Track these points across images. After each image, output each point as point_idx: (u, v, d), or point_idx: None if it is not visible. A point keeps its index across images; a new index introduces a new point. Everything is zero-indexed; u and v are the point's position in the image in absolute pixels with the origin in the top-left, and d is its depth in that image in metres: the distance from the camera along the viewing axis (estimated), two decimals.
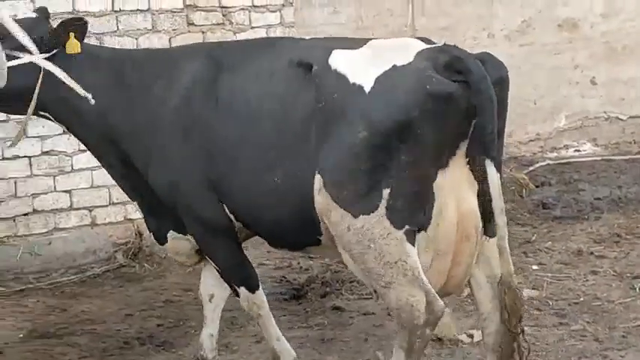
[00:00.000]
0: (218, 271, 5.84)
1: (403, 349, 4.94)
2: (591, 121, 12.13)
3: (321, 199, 4.96)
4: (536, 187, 10.09)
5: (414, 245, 4.86)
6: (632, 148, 11.87)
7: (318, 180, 4.95)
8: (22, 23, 5.68)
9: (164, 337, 6.85)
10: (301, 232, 5.25)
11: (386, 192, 4.81)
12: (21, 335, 7.13)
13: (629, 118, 12.19)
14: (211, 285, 6.05)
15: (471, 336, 6.38)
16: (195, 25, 9.16)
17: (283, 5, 9.60)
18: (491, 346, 5.18)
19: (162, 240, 5.96)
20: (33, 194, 8.54)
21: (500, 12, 11.77)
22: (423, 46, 5.00)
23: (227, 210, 5.50)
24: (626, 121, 12.21)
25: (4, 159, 8.36)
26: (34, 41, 5.62)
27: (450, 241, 4.91)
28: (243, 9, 9.38)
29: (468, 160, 4.92)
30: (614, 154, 11.62)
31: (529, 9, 11.85)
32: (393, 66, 4.87)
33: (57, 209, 8.62)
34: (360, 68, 4.95)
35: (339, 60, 5.03)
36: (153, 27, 8.96)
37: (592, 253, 8.17)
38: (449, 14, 11.58)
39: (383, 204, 4.81)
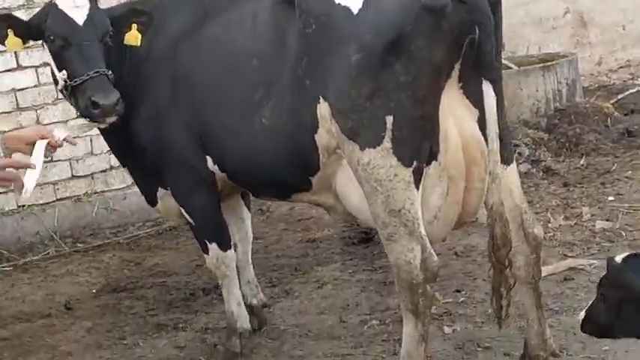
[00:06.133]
0: (192, 225, 5.70)
1: (410, 311, 4.72)
2: None
3: (332, 128, 4.75)
4: (625, 115, 9.72)
5: (418, 189, 4.66)
6: None
7: (325, 108, 4.75)
8: None
9: None
10: (292, 174, 5.07)
11: (389, 120, 4.58)
12: (94, 291, 7.27)
13: None
14: (231, 235, 5.90)
15: None
16: None
17: None
18: (524, 279, 4.99)
19: (153, 202, 5.87)
20: (109, 151, 8.63)
21: None
22: None
23: (211, 162, 5.38)
24: None
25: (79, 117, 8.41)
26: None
27: (460, 165, 4.70)
28: None
29: (461, 84, 4.70)
30: None
31: None
32: None
33: None
34: None
35: None
36: None
37: None
38: None
39: (388, 135, 4.59)
